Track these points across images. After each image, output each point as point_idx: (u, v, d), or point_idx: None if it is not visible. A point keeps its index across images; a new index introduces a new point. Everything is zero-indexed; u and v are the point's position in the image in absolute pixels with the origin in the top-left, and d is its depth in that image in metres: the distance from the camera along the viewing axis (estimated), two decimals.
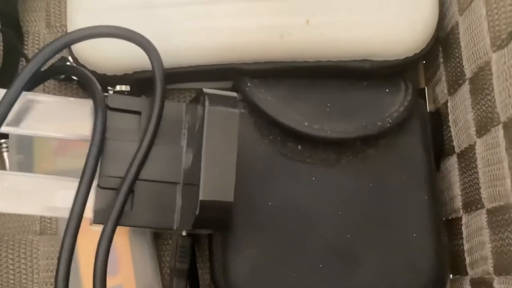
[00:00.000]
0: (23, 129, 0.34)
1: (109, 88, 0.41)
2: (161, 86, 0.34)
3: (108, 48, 0.38)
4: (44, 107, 0.35)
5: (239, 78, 0.40)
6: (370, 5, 0.38)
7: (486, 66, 0.34)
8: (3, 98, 0.31)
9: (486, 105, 0.34)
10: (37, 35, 0.47)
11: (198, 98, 0.35)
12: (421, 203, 0.38)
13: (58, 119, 0.35)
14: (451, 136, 0.40)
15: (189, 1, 0.38)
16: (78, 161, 0.34)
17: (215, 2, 0.38)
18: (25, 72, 0.32)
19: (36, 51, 0.47)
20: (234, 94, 0.34)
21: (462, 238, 0.38)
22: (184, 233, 0.36)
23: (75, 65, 0.40)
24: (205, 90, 0.33)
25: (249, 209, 0.37)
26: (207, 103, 0.33)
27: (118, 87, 0.41)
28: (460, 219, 0.39)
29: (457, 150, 0.39)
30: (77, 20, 0.38)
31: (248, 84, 0.39)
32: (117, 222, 0.32)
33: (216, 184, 0.32)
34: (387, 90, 0.40)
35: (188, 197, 0.34)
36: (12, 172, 0.39)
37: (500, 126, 0.32)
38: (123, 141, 0.34)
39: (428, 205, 0.38)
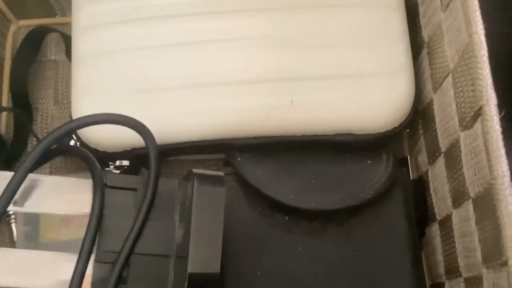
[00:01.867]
0: (28, 208, 0.37)
1: (110, 163, 0.44)
2: (155, 166, 0.37)
3: (108, 129, 0.40)
4: (48, 186, 0.38)
5: (230, 152, 0.43)
6: (351, 84, 0.41)
7: (456, 143, 0.36)
8: (10, 182, 0.34)
9: (458, 180, 0.36)
10: (46, 112, 0.51)
11: (189, 176, 0.37)
12: (404, 271, 0.40)
13: (61, 197, 0.38)
14: (433, 203, 0.42)
15: (184, 85, 0.41)
16: (82, 232, 0.37)
17: (206, 85, 0.41)
18: (31, 157, 0.35)
19: (45, 126, 0.50)
20: (220, 173, 0.36)
21: None
22: None
23: (78, 143, 0.43)
24: (194, 170, 0.36)
25: (238, 279, 0.39)
26: (195, 182, 0.35)
27: (118, 162, 0.44)
28: (443, 285, 0.40)
29: (438, 217, 0.41)
30: (80, 104, 0.42)
31: (238, 159, 0.42)
32: None
33: (203, 257, 0.34)
34: (369, 161, 0.42)
35: (180, 270, 0.36)
36: (17, 249, 0.42)
37: (470, 201, 0.34)
38: (119, 217, 0.37)
39: (411, 272, 0.40)
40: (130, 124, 0.37)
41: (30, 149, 0.50)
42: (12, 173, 0.35)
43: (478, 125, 0.32)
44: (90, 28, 0.43)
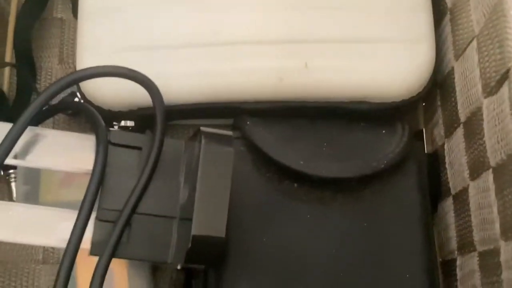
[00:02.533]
0: (29, 162, 0.35)
1: (114, 123, 0.42)
2: (161, 124, 0.36)
3: (114, 86, 0.39)
4: (50, 141, 0.36)
5: (239, 116, 0.41)
6: (368, 50, 0.40)
7: (478, 112, 0.34)
8: (9, 132, 0.33)
9: (478, 150, 0.35)
10: (50, 71, 0.49)
11: (196, 135, 0.36)
12: (415, 244, 0.38)
13: (63, 152, 0.37)
14: (447, 178, 0.41)
15: (191, 44, 0.40)
16: (82, 192, 0.35)
17: (215, 44, 0.40)
18: (32, 107, 0.33)
19: (49, 84, 0.49)
20: (229, 133, 0.35)
21: (457, 280, 0.38)
22: (178, 267, 0.36)
23: (82, 100, 0.41)
24: (202, 128, 0.35)
25: (243, 246, 0.37)
26: (203, 141, 0.34)
27: (123, 123, 0.42)
28: (455, 260, 0.39)
29: (452, 192, 0.40)
30: (85, 60, 0.40)
31: (247, 123, 0.40)
32: (113, 254, 0.33)
33: (209, 219, 0.33)
34: (383, 131, 0.41)
35: (183, 232, 0.35)
36: (16, 203, 0.41)
37: (490, 171, 0.33)
38: (123, 175, 0.35)
39: (423, 246, 0.39)
40: (136, 79, 0.35)
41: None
42: (9, 124, 0.34)
43: (504, 89, 0.30)
44: None
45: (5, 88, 0.48)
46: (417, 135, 0.43)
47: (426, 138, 0.45)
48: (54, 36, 0.50)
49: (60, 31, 0.50)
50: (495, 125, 0.32)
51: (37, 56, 0.49)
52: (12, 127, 0.33)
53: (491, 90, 0.32)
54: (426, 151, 0.44)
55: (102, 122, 0.36)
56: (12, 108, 0.47)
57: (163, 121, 0.36)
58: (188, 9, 0.40)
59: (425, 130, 0.45)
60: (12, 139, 0.33)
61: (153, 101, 0.36)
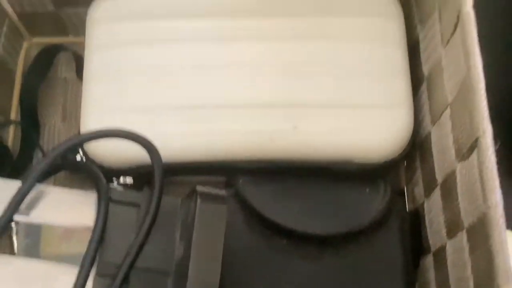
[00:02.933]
0: (33, 218, 0.38)
1: (114, 179, 0.45)
2: (159, 184, 0.38)
3: (114, 145, 0.42)
4: (53, 197, 0.38)
5: (232, 174, 0.44)
6: (352, 114, 0.43)
7: (452, 175, 0.37)
8: (18, 190, 0.35)
9: (454, 210, 0.37)
10: (53, 127, 0.52)
11: (192, 194, 0.38)
12: None
13: (64, 209, 0.39)
14: (428, 235, 0.43)
15: (188, 106, 0.43)
16: (82, 247, 0.37)
17: (210, 107, 0.43)
18: (39, 167, 0.36)
19: (51, 142, 0.52)
20: (223, 192, 0.37)
21: None
22: None
23: (84, 158, 0.44)
24: (198, 188, 0.37)
25: None
26: (198, 200, 0.36)
27: (122, 179, 0.45)
28: None
29: (432, 249, 0.42)
30: (89, 119, 0.43)
31: (240, 181, 0.43)
32: None
33: (203, 276, 0.35)
34: (367, 190, 0.43)
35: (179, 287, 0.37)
36: (17, 257, 0.42)
37: (464, 231, 0.35)
38: (122, 231, 0.38)
39: None
40: (137, 140, 0.38)
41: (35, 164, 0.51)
42: (17, 182, 0.36)
43: (474, 156, 0.33)
44: (102, 46, 0.44)
45: (9, 143, 0.51)
46: (399, 194, 0.46)
47: (407, 196, 0.48)
48: (58, 95, 0.53)
49: (63, 90, 0.53)
50: (467, 188, 0.34)
51: (41, 114, 0.52)
52: (21, 186, 0.35)
53: (463, 155, 0.35)
54: (408, 209, 0.46)
55: (104, 181, 0.38)
56: (15, 163, 0.50)
57: (161, 181, 0.38)
58: (187, 75, 0.43)
59: (407, 188, 0.48)
60: (20, 198, 0.35)
61: (152, 162, 0.39)
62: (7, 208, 0.35)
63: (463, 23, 0.35)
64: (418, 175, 0.45)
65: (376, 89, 0.43)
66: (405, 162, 0.48)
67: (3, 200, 0.35)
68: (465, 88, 0.34)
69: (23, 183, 0.35)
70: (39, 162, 0.36)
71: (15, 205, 0.35)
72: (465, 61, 0.34)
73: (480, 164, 0.31)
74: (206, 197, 0.37)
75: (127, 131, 0.38)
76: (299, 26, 0.44)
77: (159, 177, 0.38)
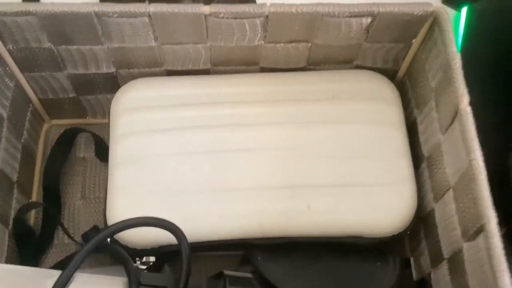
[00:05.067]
0: None
1: (137, 259, 0.47)
2: (187, 266, 0.41)
3: (140, 228, 0.44)
4: (82, 282, 0.41)
5: (250, 251, 0.46)
6: (361, 192, 0.46)
7: (460, 252, 0.40)
8: (58, 280, 0.37)
9: (463, 286, 0.40)
10: (73, 206, 0.54)
11: (219, 276, 0.41)
12: None
13: None
14: None
15: (210, 189, 0.46)
16: None
17: (230, 190, 0.46)
18: (77, 259, 0.38)
19: (71, 220, 0.54)
20: (249, 275, 0.40)
21: None
22: None
23: (109, 240, 0.46)
24: (226, 272, 0.40)
25: None
26: (227, 283, 0.39)
27: (145, 258, 0.47)
28: None
29: None
30: (116, 202, 0.45)
31: (258, 258, 0.46)
32: None
33: None
34: (378, 263, 0.46)
35: None
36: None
37: None
38: None
39: None
40: (166, 227, 0.41)
41: (56, 242, 0.53)
42: (53, 271, 0.38)
43: (480, 240, 0.37)
44: (126, 135, 0.47)
45: (31, 222, 0.53)
46: (405, 263, 0.49)
47: (413, 264, 0.51)
48: (77, 174, 0.56)
49: (83, 169, 0.56)
50: (476, 268, 0.38)
51: (61, 193, 0.55)
52: (60, 275, 0.37)
53: (469, 237, 0.39)
54: (414, 277, 0.49)
55: (133, 265, 0.41)
56: (38, 242, 0.52)
57: (189, 262, 0.41)
58: (206, 159, 0.47)
59: (411, 256, 0.51)
60: (61, 286, 0.37)
61: (179, 244, 0.41)
62: None
63: (461, 119, 0.39)
64: (423, 246, 0.48)
65: (381, 169, 0.47)
66: (409, 232, 0.51)
67: None
68: (468, 178, 0.38)
69: (62, 272, 0.38)
70: (76, 255, 0.38)
71: None
72: (466, 154, 0.38)
73: (487, 249, 0.35)
74: (234, 280, 0.39)
75: (156, 219, 0.41)
76: (308, 112, 0.48)
77: (187, 260, 0.41)
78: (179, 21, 0.43)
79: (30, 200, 0.54)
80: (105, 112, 0.56)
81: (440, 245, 0.44)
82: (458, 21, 0.53)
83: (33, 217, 0.54)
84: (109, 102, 0.52)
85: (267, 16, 0.43)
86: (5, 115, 0.48)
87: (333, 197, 0.46)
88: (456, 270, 0.41)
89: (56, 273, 0.39)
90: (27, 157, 0.53)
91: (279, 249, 0.47)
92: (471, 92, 0.39)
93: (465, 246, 0.39)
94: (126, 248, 0.46)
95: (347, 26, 0.44)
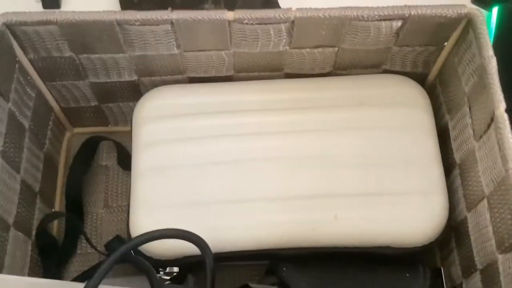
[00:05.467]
0: None
1: (160, 269, 0.46)
2: (211, 276, 0.40)
3: (164, 240, 0.44)
4: None
5: (275, 262, 0.45)
6: (389, 201, 0.45)
7: (494, 265, 0.39)
8: None
9: None
10: (95, 215, 0.54)
11: None
12: None
13: None
14: None
15: (234, 200, 0.45)
16: None
17: (256, 200, 0.45)
18: (101, 271, 0.37)
19: (94, 229, 0.53)
20: (274, 287, 0.39)
21: None
22: None
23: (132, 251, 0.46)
24: (251, 285, 0.39)
25: None
26: None
27: (168, 269, 0.46)
28: None
29: None
30: (138, 214, 0.45)
31: (284, 269, 0.44)
32: None
33: None
34: (407, 274, 0.45)
35: None
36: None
37: None
38: None
39: None
40: (191, 239, 0.40)
41: (79, 251, 0.52)
42: (76, 284, 0.38)
43: None
44: (149, 144, 0.47)
45: (54, 231, 0.53)
46: (436, 272, 0.48)
47: (443, 274, 0.49)
48: (99, 182, 0.55)
49: (105, 178, 0.55)
50: (511, 282, 0.36)
51: (84, 201, 0.54)
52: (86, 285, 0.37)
53: (505, 248, 0.37)
54: None
55: (157, 277, 0.40)
56: (60, 251, 0.51)
57: (213, 273, 0.40)
58: (230, 169, 0.46)
59: (442, 265, 0.50)
60: None
61: (203, 256, 0.40)
62: None
63: (498, 126, 0.37)
64: (455, 256, 0.47)
65: (411, 177, 0.45)
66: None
67: None
68: (504, 188, 0.36)
69: (87, 283, 0.37)
70: (101, 265, 0.38)
71: None
72: (503, 164, 0.36)
73: None
74: None
75: (181, 231, 0.40)
76: (335, 119, 0.47)
77: (211, 271, 0.40)
78: (202, 28, 0.42)
79: (53, 210, 0.53)
80: (127, 120, 0.56)
81: (473, 255, 0.43)
82: (489, 22, 0.51)
83: (56, 227, 0.53)
84: (131, 110, 0.51)
85: (292, 21, 0.42)
86: (27, 125, 0.47)
87: (361, 207, 0.45)
88: (490, 282, 0.40)
89: (80, 286, 0.38)
90: (49, 166, 0.53)
91: (305, 260, 0.45)
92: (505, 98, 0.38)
93: (500, 258, 0.38)
94: (149, 258, 0.45)
95: (376, 30, 0.43)
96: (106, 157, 0.56)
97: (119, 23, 0.42)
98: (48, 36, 0.43)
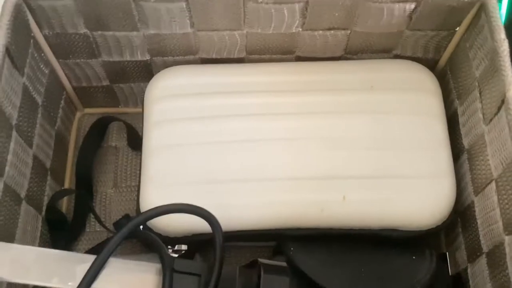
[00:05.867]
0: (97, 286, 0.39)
1: (169, 247, 0.47)
2: (220, 254, 0.40)
3: (173, 216, 0.44)
4: (116, 267, 0.40)
5: (283, 242, 0.46)
6: (397, 184, 0.45)
7: (501, 246, 0.39)
8: (93, 263, 0.37)
9: (503, 280, 0.39)
10: (105, 194, 0.54)
11: (253, 265, 0.40)
12: None
13: (128, 278, 0.41)
14: None
15: (244, 179, 0.45)
16: None
17: (265, 179, 0.45)
18: (112, 243, 0.38)
19: (103, 208, 0.54)
20: (284, 264, 0.39)
21: None
22: None
23: (141, 227, 0.46)
24: (260, 260, 0.39)
25: None
26: (262, 271, 0.38)
27: (177, 247, 0.47)
28: None
29: None
30: (149, 191, 0.45)
31: (291, 249, 0.45)
32: None
33: None
34: (413, 257, 0.45)
35: None
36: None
37: None
38: None
39: None
40: (201, 214, 0.40)
41: (87, 230, 0.53)
42: (86, 256, 0.38)
43: None
44: (160, 123, 0.47)
45: (64, 209, 0.53)
46: (441, 257, 0.48)
47: (449, 259, 0.49)
48: (109, 162, 0.55)
49: (114, 158, 0.56)
50: None
51: (93, 181, 0.55)
52: (95, 259, 0.37)
53: None
54: (450, 273, 0.48)
55: (168, 252, 0.40)
56: (70, 229, 0.52)
57: (222, 250, 0.40)
58: (242, 148, 0.46)
59: (447, 251, 0.50)
60: (94, 272, 0.37)
61: (213, 232, 0.40)
62: (84, 281, 0.37)
63: (508, 107, 0.37)
64: (460, 240, 0.47)
65: (420, 160, 0.46)
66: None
67: (78, 273, 0.37)
68: None
69: (97, 257, 0.37)
70: (111, 239, 0.38)
71: (90, 278, 0.37)
72: None
73: None
74: (270, 269, 0.39)
75: (191, 206, 0.40)
76: (345, 102, 0.47)
77: (220, 248, 0.40)
78: (217, 6, 0.43)
79: (63, 188, 0.54)
80: (138, 101, 0.56)
81: (479, 239, 0.43)
82: (499, 8, 0.51)
83: (66, 204, 0.54)
84: (142, 91, 0.51)
85: (307, 2, 0.42)
86: (40, 101, 0.48)
87: (370, 189, 0.45)
88: (496, 265, 0.40)
89: (90, 258, 0.39)
90: (60, 144, 0.53)
91: (312, 241, 0.46)
92: None
93: (507, 239, 0.38)
94: (158, 235, 0.45)
95: (390, 12, 0.43)
96: (116, 138, 0.57)
97: (135, 0, 0.42)
98: (64, 11, 0.44)
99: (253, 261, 0.40)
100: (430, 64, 0.50)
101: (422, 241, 0.47)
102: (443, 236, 0.51)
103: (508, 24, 0.51)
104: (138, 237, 0.45)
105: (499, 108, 0.39)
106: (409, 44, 0.48)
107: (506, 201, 0.38)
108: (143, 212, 0.40)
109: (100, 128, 0.56)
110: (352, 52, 0.49)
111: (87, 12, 0.44)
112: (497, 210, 0.40)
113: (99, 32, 0.46)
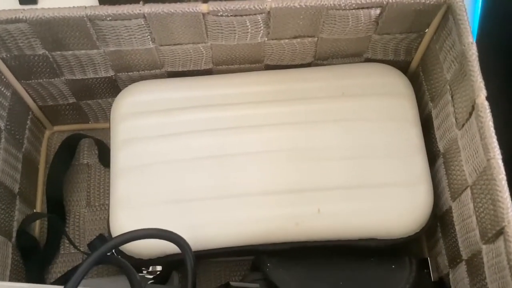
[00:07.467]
0: None
1: (143, 268, 0.45)
2: (193, 276, 0.39)
3: (145, 240, 0.43)
4: None
5: (259, 257, 0.45)
6: (373, 194, 0.44)
7: (478, 255, 0.38)
8: None
9: (482, 287, 0.38)
10: (78, 214, 0.53)
11: (225, 287, 0.39)
12: None
13: None
14: None
15: (214, 196, 0.44)
16: None
17: (236, 196, 0.44)
18: (79, 273, 0.36)
19: (77, 228, 0.53)
20: (256, 285, 0.38)
21: None
22: None
23: (114, 251, 0.45)
24: (232, 283, 0.38)
25: None
26: None
27: (151, 268, 0.45)
28: None
29: None
30: (118, 213, 0.44)
31: (268, 265, 0.44)
32: None
33: None
34: (393, 266, 0.44)
35: None
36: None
37: None
38: None
39: None
40: (170, 238, 0.39)
41: (62, 252, 0.52)
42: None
43: (500, 243, 0.34)
44: (127, 141, 0.46)
45: (36, 232, 0.52)
46: (422, 263, 0.47)
47: (431, 264, 0.48)
48: (81, 181, 0.54)
49: (87, 176, 0.54)
50: (495, 272, 0.35)
51: (66, 200, 0.53)
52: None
53: (488, 239, 0.36)
54: (432, 278, 0.47)
55: (138, 277, 0.39)
56: (43, 254, 0.51)
57: (194, 273, 0.39)
58: (210, 165, 0.45)
59: (429, 255, 0.49)
60: None
61: (184, 256, 0.39)
62: None
63: (478, 114, 0.36)
64: (441, 246, 0.46)
65: (395, 168, 0.45)
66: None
67: None
68: (486, 178, 0.36)
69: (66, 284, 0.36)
70: (79, 268, 0.37)
71: None
72: (484, 153, 0.35)
73: (508, 253, 0.33)
74: None
75: (161, 231, 0.39)
76: (316, 111, 0.46)
77: (192, 271, 0.39)
78: (176, 21, 0.41)
79: (34, 210, 0.52)
80: (108, 116, 0.55)
81: (458, 245, 0.42)
82: (477, 7, 0.50)
83: (38, 227, 0.52)
84: (110, 106, 0.50)
85: (268, 12, 0.41)
86: (2, 125, 0.46)
87: (344, 200, 0.44)
88: (475, 273, 0.39)
89: None
90: (29, 166, 0.52)
91: (289, 255, 0.45)
92: (488, 85, 0.37)
93: (484, 248, 0.37)
94: (131, 258, 0.44)
95: (355, 19, 0.42)
96: (87, 155, 0.55)
97: (90, 19, 0.41)
98: (19, 34, 0.42)
99: (226, 283, 0.39)
100: (403, 66, 0.48)
101: (404, 247, 0.46)
102: (425, 241, 0.50)
103: (484, 21, 0.49)
104: (108, 262, 0.44)
105: (470, 114, 0.38)
106: (379, 48, 0.46)
107: (481, 209, 0.37)
108: (110, 240, 0.38)
109: (69, 147, 0.54)
110: (322, 58, 0.48)
111: (43, 34, 0.42)
112: (474, 218, 0.39)
113: (58, 52, 0.45)
